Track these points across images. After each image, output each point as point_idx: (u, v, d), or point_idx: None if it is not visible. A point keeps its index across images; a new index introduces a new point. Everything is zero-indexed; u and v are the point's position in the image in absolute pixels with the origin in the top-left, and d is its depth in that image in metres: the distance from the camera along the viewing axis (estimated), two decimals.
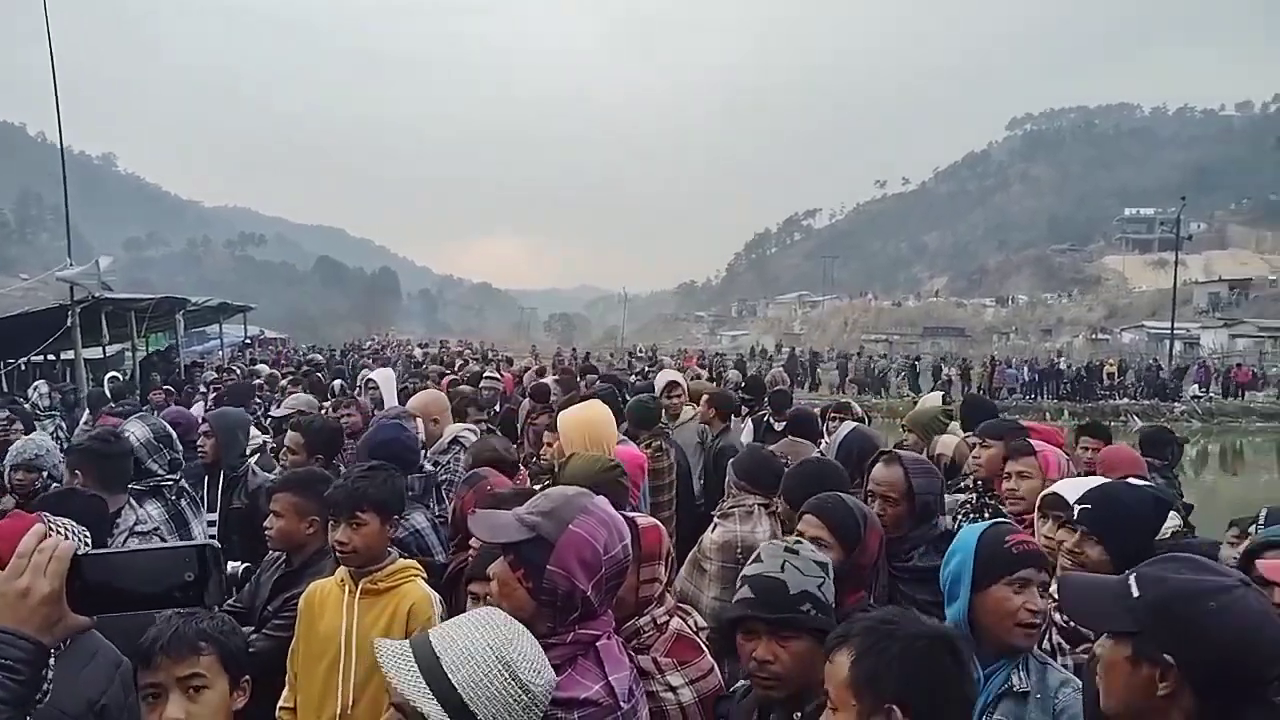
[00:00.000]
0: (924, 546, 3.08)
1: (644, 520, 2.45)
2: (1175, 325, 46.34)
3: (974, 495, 4.17)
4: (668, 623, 2.39)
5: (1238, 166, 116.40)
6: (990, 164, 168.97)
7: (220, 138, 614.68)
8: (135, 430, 3.97)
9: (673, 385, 7.00)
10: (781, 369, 15.03)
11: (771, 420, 7.50)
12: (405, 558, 3.08)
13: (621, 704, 1.80)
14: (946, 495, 4.52)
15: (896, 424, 11.97)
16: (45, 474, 4.32)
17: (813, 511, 2.72)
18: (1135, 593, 1.53)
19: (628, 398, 7.47)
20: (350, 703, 2.77)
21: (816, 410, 7.11)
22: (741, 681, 2.26)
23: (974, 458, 4.22)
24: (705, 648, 2.41)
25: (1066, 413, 28.69)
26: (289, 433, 4.87)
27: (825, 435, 6.16)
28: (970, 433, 5.74)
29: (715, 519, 3.93)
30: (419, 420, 5.62)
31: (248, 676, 1.96)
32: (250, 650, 2.16)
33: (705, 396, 6.90)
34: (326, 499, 3.02)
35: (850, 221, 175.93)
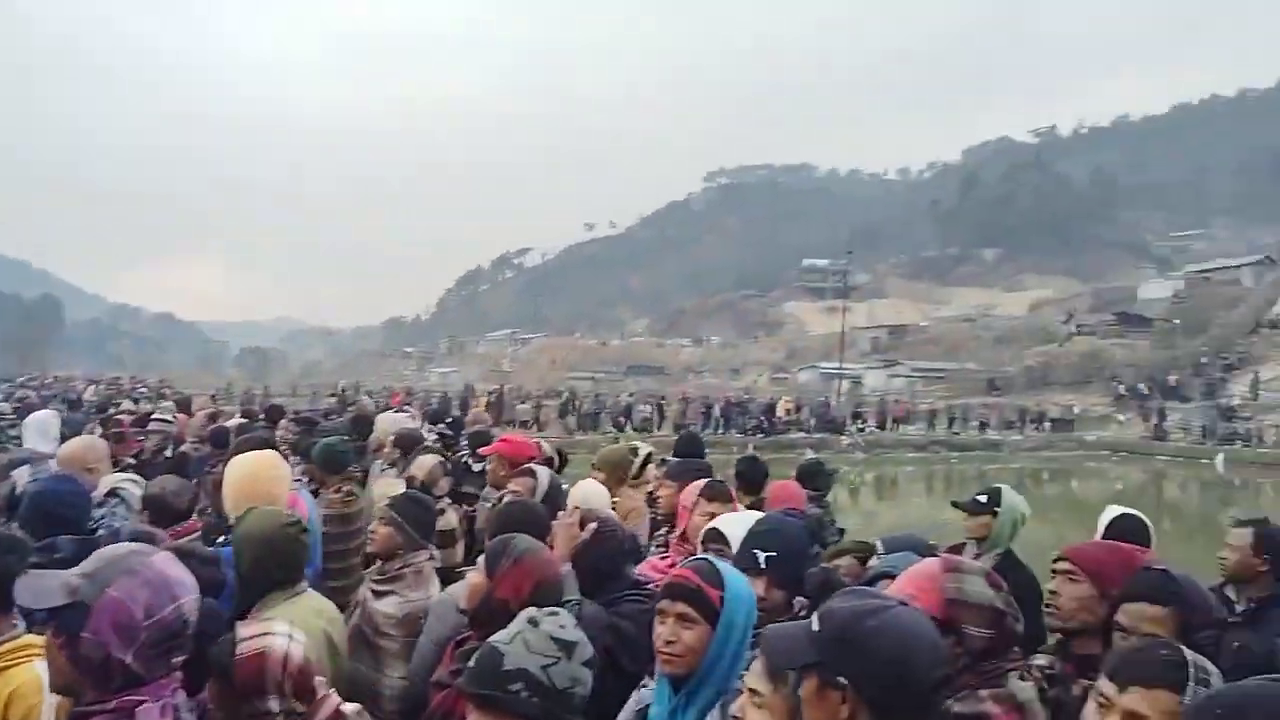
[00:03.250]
0: None
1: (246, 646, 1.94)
2: (843, 366, 52.17)
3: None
4: None
5: (896, 225, 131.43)
6: (689, 213, 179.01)
7: None
8: None
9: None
10: (482, 409, 14.88)
11: (470, 461, 7.37)
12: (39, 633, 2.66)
13: None
14: None
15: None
16: None
17: None
18: (816, 628, 1.60)
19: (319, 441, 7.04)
20: None
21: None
22: None
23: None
24: None
25: (751, 446, 30.76)
26: None
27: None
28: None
29: (373, 583, 3.36)
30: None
31: None
32: None
33: (392, 436, 6.58)
34: None
35: (560, 261, 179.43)
